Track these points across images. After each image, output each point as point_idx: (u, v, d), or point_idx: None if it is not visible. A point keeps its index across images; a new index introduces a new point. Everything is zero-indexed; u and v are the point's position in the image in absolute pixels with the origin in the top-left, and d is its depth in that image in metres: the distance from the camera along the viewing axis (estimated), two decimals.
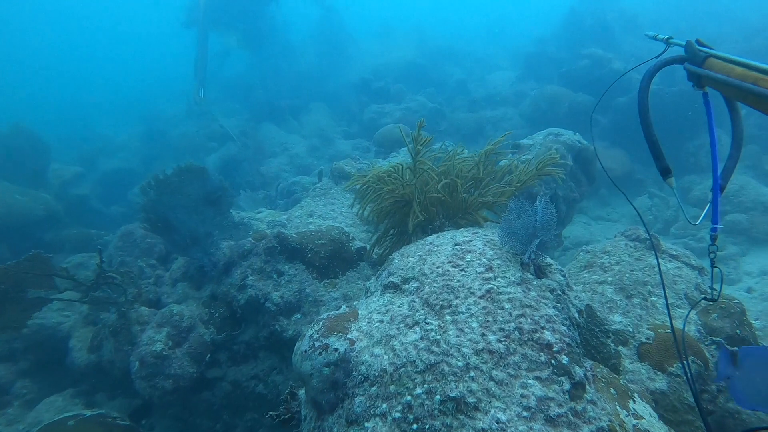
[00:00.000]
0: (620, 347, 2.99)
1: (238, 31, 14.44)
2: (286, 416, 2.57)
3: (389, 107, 9.94)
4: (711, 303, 3.21)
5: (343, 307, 2.76)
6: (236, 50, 17.57)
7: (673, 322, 3.16)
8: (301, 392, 2.59)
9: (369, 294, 2.86)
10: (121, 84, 22.34)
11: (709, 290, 3.36)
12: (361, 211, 3.64)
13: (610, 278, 3.43)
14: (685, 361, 2.68)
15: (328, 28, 16.19)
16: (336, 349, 2.38)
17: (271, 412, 2.59)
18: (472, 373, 1.97)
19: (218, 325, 4.54)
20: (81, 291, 4.90)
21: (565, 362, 2.05)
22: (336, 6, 18.71)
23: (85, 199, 9.52)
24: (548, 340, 2.14)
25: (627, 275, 3.42)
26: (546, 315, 2.26)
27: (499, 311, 2.25)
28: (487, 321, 2.21)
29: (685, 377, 2.63)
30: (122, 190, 10.88)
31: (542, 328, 2.19)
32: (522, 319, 2.21)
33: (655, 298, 3.24)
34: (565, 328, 2.26)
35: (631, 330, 3.06)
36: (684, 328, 2.97)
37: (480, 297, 2.32)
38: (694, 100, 7.87)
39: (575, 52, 10.44)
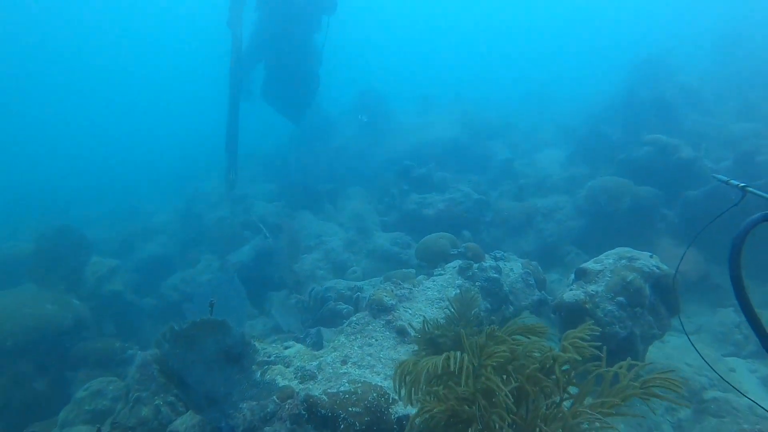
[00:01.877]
0: None
1: (276, 103, 14.33)
2: None
3: (431, 197, 9.35)
4: None
5: None
6: (273, 123, 17.80)
7: None
8: None
9: None
10: (164, 154, 23.05)
11: None
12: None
13: None
14: None
15: (368, 101, 16.11)
16: None
17: None
18: None
19: None
20: None
21: None
22: (376, 79, 18.83)
23: (118, 295, 9.31)
24: None
25: None
26: None
27: None
28: None
29: None
30: (157, 277, 10.67)
31: None
32: None
33: None
34: None
35: None
36: None
37: None
38: None
39: (634, 135, 9.64)
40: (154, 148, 26.10)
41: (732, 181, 2.71)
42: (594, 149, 10.51)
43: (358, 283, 7.63)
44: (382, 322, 4.97)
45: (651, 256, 5.12)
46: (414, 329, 4.82)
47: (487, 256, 6.44)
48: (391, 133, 14.53)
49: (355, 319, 5.10)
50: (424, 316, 4.90)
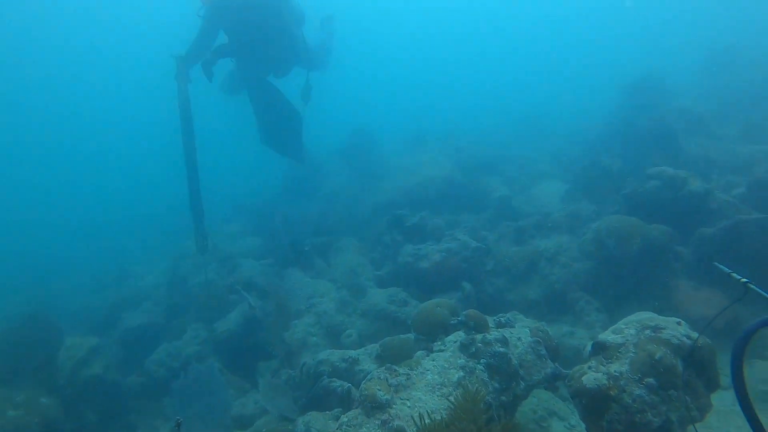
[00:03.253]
0: None
1: (274, 144, 13.50)
2: None
3: (426, 248, 8.73)
4: None
5: None
6: (267, 173, 17.38)
7: None
8: None
9: None
10: (157, 207, 22.58)
11: None
12: None
13: None
14: None
15: (357, 144, 15.70)
16: None
17: None
18: None
19: None
20: None
21: None
22: (365, 117, 18.41)
23: (98, 378, 8.61)
24: None
25: None
26: None
27: None
28: None
29: None
30: (143, 350, 10.01)
31: None
32: None
33: None
34: None
35: None
36: None
37: None
38: None
39: (635, 165, 9.14)
40: (145, 201, 25.67)
41: (734, 275, 2.71)
42: (594, 182, 9.96)
43: (353, 353, 6.99)
44: (377, 423, 4.31)
45: (678, 323, 4.50)
46: (416, 425, 4.20)
47: (490, 320, 5.83)
48: (382, 176, 14.03)
49: (346, 419, 4.44)
50: (425, 412, 4.29)
